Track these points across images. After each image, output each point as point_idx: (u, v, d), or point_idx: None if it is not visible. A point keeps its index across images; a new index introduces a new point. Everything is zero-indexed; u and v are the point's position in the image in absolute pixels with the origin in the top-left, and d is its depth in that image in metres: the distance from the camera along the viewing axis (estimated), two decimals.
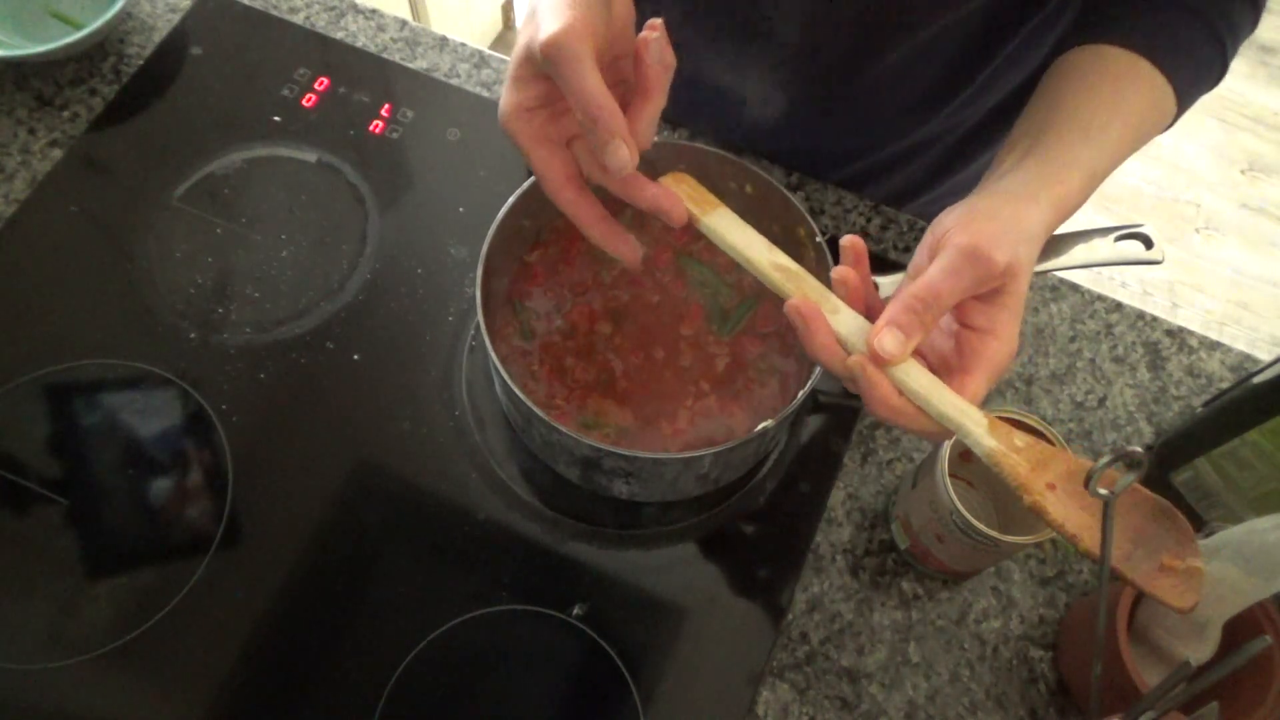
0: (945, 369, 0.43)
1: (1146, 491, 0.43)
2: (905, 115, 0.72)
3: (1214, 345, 0.70)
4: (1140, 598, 0.54)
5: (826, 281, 0.45)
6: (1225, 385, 0.68)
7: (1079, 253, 0.58)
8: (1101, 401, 0.67)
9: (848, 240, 0.44)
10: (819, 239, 0.57)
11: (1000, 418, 0.54)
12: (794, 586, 0.60)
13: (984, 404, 0.62)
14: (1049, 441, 0.54)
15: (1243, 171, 2.08)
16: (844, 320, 0.44)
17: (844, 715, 0.57)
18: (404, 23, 0.80)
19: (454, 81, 0.78)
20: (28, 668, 0.55)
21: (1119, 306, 0.71)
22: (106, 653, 0.56)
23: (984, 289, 0.42)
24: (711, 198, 0.48)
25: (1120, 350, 0.69)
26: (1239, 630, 0.51)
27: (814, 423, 0.65)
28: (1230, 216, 2.03)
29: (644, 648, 0.57)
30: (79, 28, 0.73)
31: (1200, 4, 0.53)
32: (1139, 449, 0.40)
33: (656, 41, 0.43)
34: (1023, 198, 0.45)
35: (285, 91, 0.76)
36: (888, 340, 0.41)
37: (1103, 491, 0.41)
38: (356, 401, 0.64)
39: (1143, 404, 0.67)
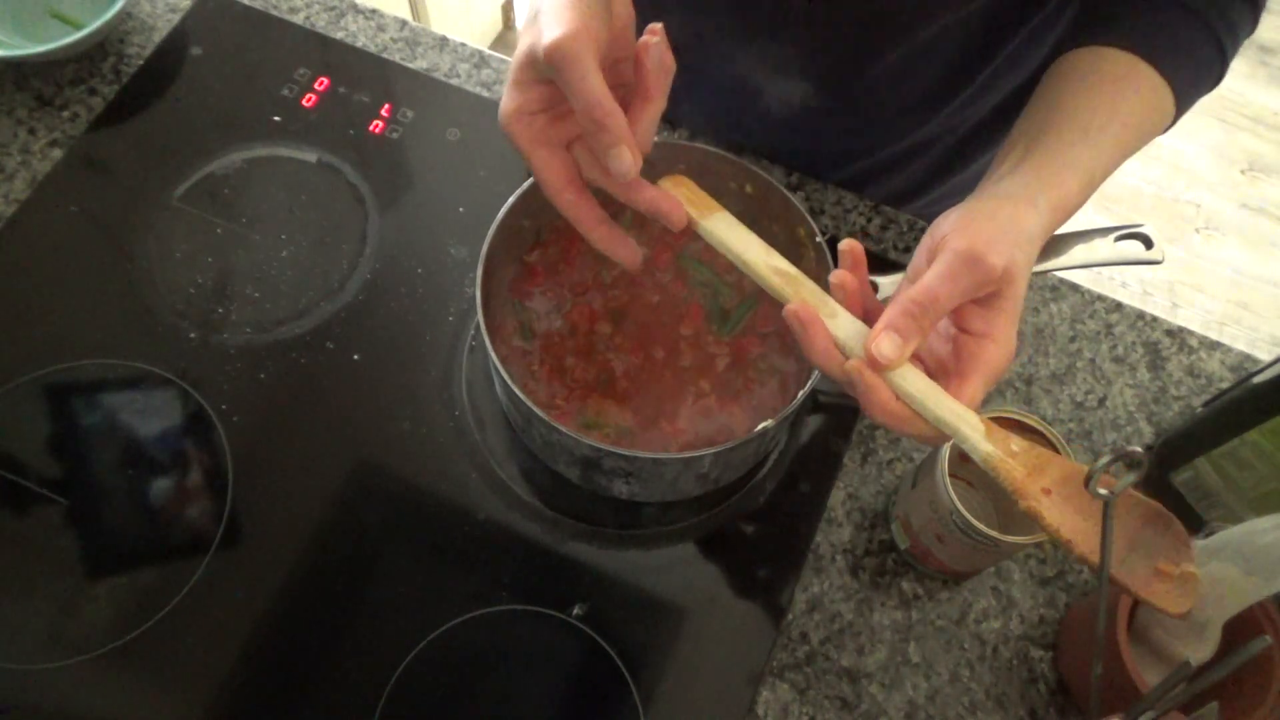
0: (942, 373, 0.43)
1: (1141, 496, 0.43)
2: (905, 116, 0.72)
3: (1214, 345, 0.70)
4: None
5: (826, 283, 0.45)
6: (1225, 385, 0.68)
7: (1079, 253, 0.58)
8: (1101, 401, 0.67)
9: (846, 245, 0.44)
10: (819, 239, 0.57)
11: (1000, 418, 0.54)
12: (794, 586, 0.60)
13: (984, 404, 0.62)
14: (1049, 441, 0.54)
15: (1243, 171, 2.08)
16: (842, 324, 0.44)
17: (844, 715, 0.57)
18: (404, 23, 0.80)
19: (454, 81, 0.78)
20: (28, 668, 0.55)
21: (1119, 306, 0.71)
22: (106, 653, 0.56)
23: (981, 293, 0.42)
24: (710, 200, 0.48)
25: (1120, 350, 0.69)
26: (1239, 630, 0.51)
27: (814, 423, 0.65)
28: (1230, 216, 2.03)
29: (644, 648, 0.57)
30: (79, 28, 0.73)
31: (1199, 5, 0.53)
32: (1139, 449, 0.40)
33: (656, 46, 0.43)
34: (1021, 200, 0.45)
35: (285, 91, 0.76)
36: (885, 345, 0.41)
37: (1103, 491, 0.41)
38: (356, 401, 0.64)
39: (1143, 404, 0.67)
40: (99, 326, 0.65)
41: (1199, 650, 0.51)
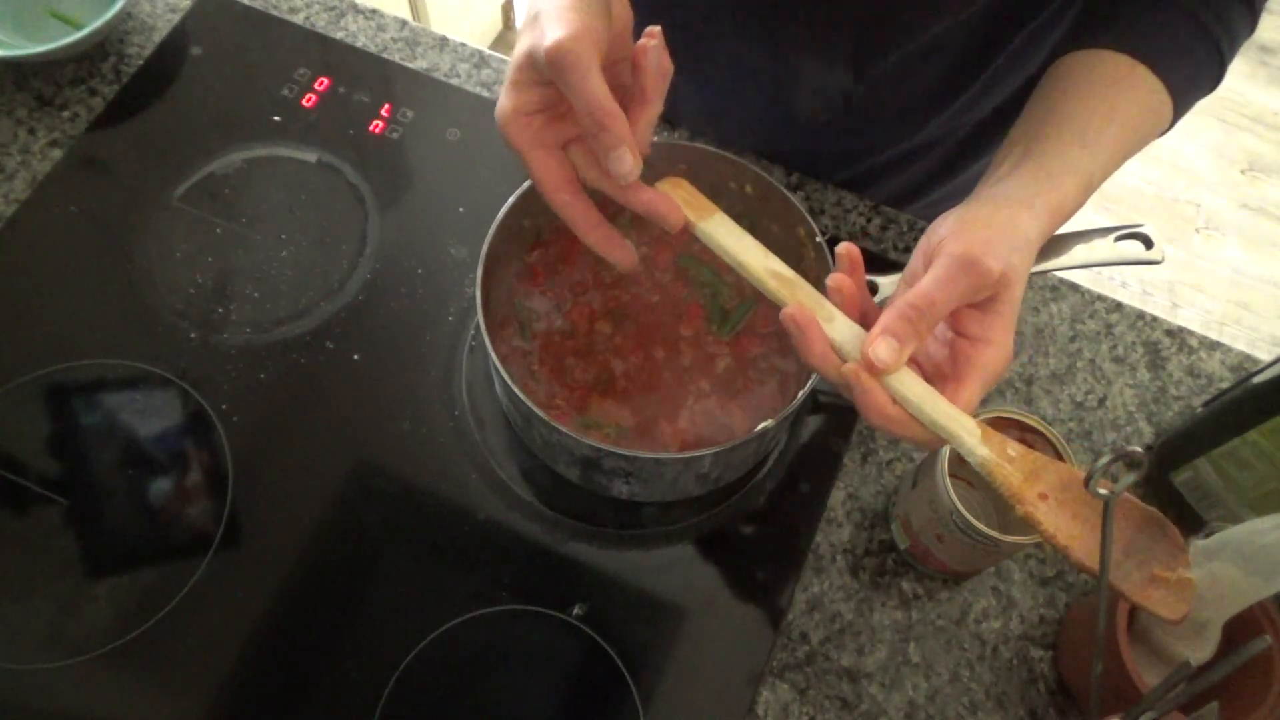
0: (939, 376, 0.43)
1: (1137, 502, 0.43)
2: (906, 117, 0.72)
3: (1214, 345, 0.70)
4: None
5: (825, 284, 0.45)
6: (1225, 385, 0.68)
7: (1079, 253, 0.58)
8: (1101, 401, 0.67)
9: (843, 248, 0.44)
10: (819, 239, 0.57)
11: (1000, 418, 0.54)
12: (794, 586, 0.60)
13: (983, 405, 0.62)
14: (1049, 441, 0.54)
15: (1243, 171, 2.08)
16: (839, 328, 0.44)
17: (844, 715, 0.57)
18: (404, 23, 0.81)
19: (454, 81, 0.78)
20: (28, 668, 0.55)
21: (1119, 306, 0.71)
22: (106, 653, 0.56)
23: (979, 297, 0.42)
24: (708, 203, 0.47)
25: (1120, 350, 0.69)
26: (1239, 630, 0.51)
27: (814, 423, 0.65)
28: (1230, 216, 2.03)
29: (644, 648, 0.57)
30: (79, 28, 0.73)
31: (1197, 8, 0.53)
32: (1139, 449, 0.40)
33: (655, 48, 0.43)
34: (1018, 204, 0.45)
35: (285, 91, 0.76)
36: (882, 348, 0.41)
37: (1103, 492, 0.41)
38: (356, 401, 0.64)
39: (1143, 404, 0.67)
40: (99, 326, 0.65)
41: (1199, 650, 0.51)
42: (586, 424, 0.59)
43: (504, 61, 0.79)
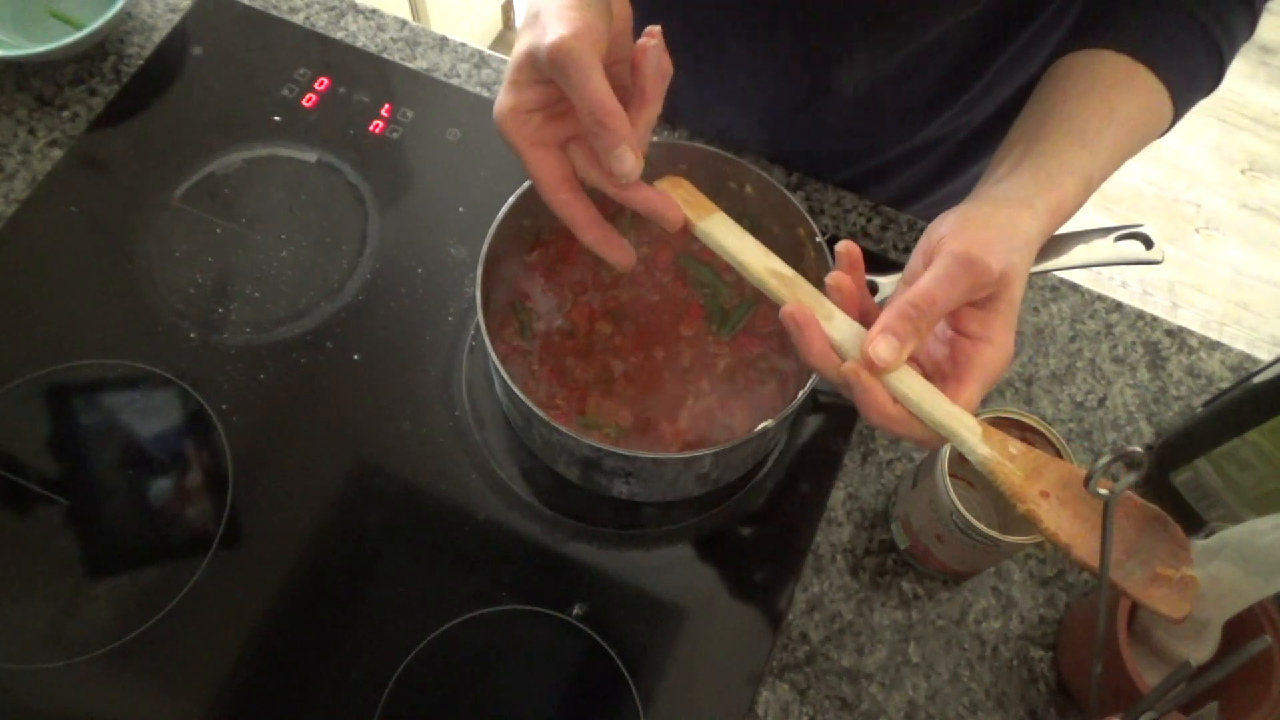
0: (939, 375, 0.43)
1: (1140, 500, 0.43)
2: (907, 118, 0.72)
3: (1214, 345, 0.70)
4: None
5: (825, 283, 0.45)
6: (1225, 385, 0.68)
7: (1079, 253, 0.58)
8: (1101, 401, 0.67)
9: (842, 246, 0.44)
10: (819, 239, 0.57)
11: (1000, 418, 0.54)
12: (794, 586, 0.60)
13: (984, 404, 0.62)
14: (1049, 441, 0.54)
15: (1243, 171, 2.08)
16: (838, 326, 0.43)
17: (844, 715, 0.57)
18: (404, 23, 0.81)
19: (454, 81, 0.78)
20: (28, 668, 0.55)
21: (1119, 306, 0.71)
22: (106, 653, 0.56)
23: (978, 296, 0.42)
24: (707, 202, 0.47)
25: (1120, 350, 0.69)
26: (1239, 630, 0.51)
27: (814, 423, 0.65)
28: (1230, 216, 2.03)
29: (644, 648, 0.57)
30: (79, 28, 0.73)
31: (1196, 9, 0.53)
32: (1139, 449, 0.40)
33: (655, 49, 0.43)
34: (1018, 204, 0.45)
35: (285, 91, 0.76)
36: (882, 347, 0.41)
37: (1103, 491, 0.41)
38: (356, 401, 0.64)
39: (1143, 404, 0.67)
40: (99, 326, 0.65)
41: (1199, 650, 0.51)
42: (586, 424, 0.59)
43: (504, 61, 0.79)
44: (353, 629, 0.57)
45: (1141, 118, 0.51)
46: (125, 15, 0.78)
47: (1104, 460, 0.40)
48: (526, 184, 0.57)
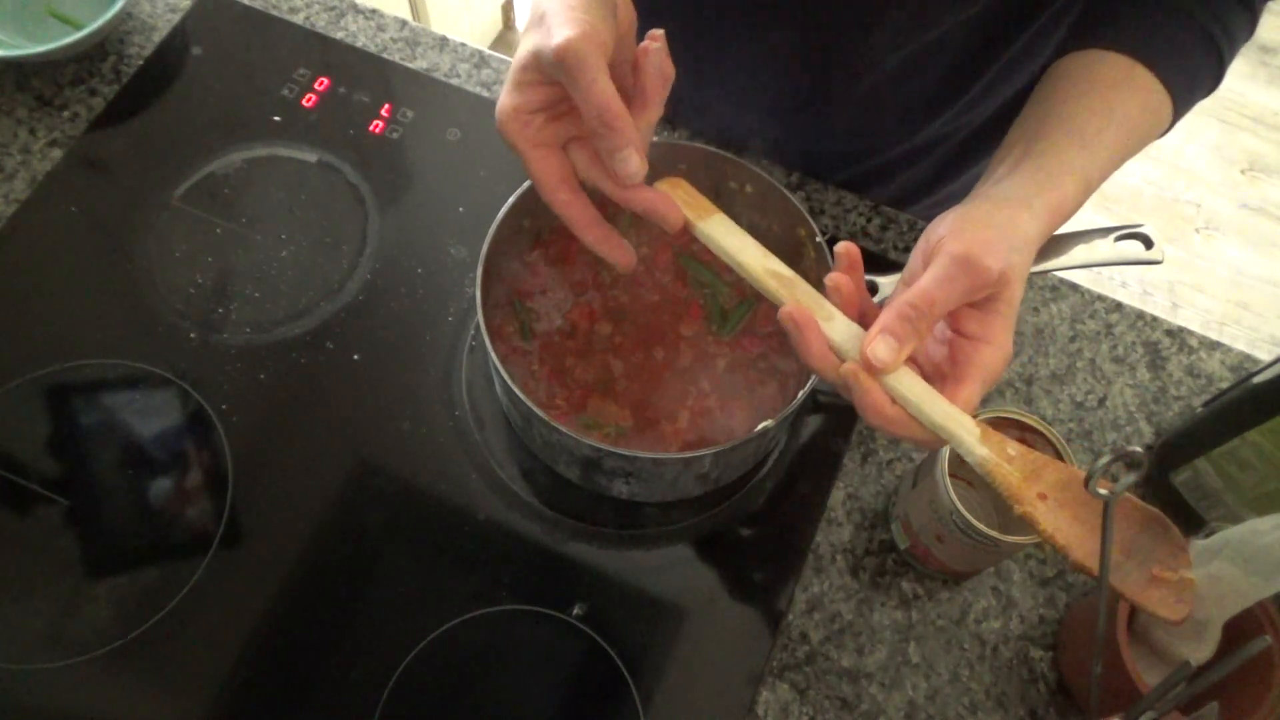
0: (938, 376, 0.43)
1: (1138, 501, 0.43)
2: (907, 118, 0.72)
3: (1214, 345, 0.70)
4: None
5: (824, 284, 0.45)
6: (1225, 385, 0.68)
7: (1079, 253, 0.58)
8: (1101, 401, 0.67)
9: (842, 247, 0.44)
10: (819, 239, 0.57)
11: (1000, 418, 0.54)
12: (794, 586, 0.60)
13: (984, 404, 0.62)
14: (1049, 441, 0.54)
15: (1243, 171, 2.08)
16: (838, 327, 0.43)
17: (844, 715, 0.57)
18: (404, 23, 0.81)
19: (454, 81, 0.78)
20: (28, 668, 0.55)
21: (1119, 306, 0.71)
22: (106, 653, 0.56)
23: (977, 296, 0.42)
24: (707, 203, 0.47)
25: (1120, 350, 0.69)
26: (1239, 630, 0.51)
27: (814, 423, 0.65)
28: (1230, 216, 2.03)
29: (644, 648, 0.57)
30: (79, 28, 0.73)
31: (1196, 9, 0.53)
32: (1139, 449, 0.40)
33: (656, 52, 0.43)
34: (1017, 204, 0.45)
35: (285, 91, 0.76)
36: (880, 348, 0.41)
37: (1103, 491, 0.41)
38: (356, 401, 0.64)
39: (1143, 404, 0.67)
40: (99, 326, 0.65)
41: (1199, 650, 0.51)
42: (586, 424, 0.59)
43: (504, 61, 0.79)
44: (353, 629, 0.57)
45: (1141, 118, 0.51)
46: (125, 15, 0.78)
47: (1104, 460, 0.40)
48: (526, 184, 0.57)
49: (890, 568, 0.61)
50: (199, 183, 0.71)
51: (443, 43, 0.80)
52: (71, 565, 0.58)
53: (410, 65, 0.78)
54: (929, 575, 0.61)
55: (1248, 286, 1.95)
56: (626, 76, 0.45)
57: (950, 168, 0.80)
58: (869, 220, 0.73)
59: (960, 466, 0.59)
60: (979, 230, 0.43)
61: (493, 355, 0.52)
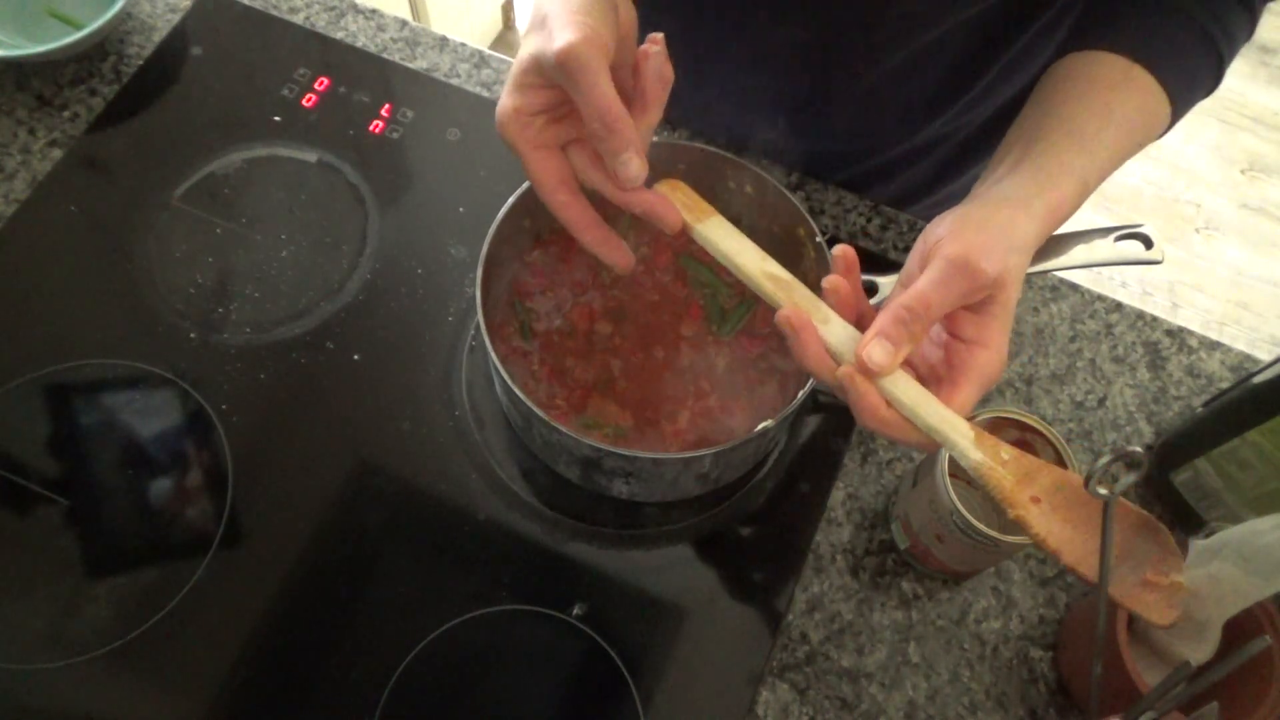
0: (934, 379, 0.43)
1: (1132, 505, 0.43)
2: (907, 118, 0.72)
3: (1214, 345, 0.70)
4: None
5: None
6: (1225, 385, 0.68)
7: (1079, 253, 0.58)
8: (1101, 401, 0.67)
9: (839, 250, 0.44)
10: (819, 239, 0.57)
11: (1000, 418, 0.54)
12: (794, 586, 0.60)
13: (983, 404, 0.62)
14: (1049, 441, 0.54)
15: (1243, 171, 2.08)
16: (834, 330, 0.43)
17: (844, 715, 0.57)
18: (404, 23, 0.81)
19: (454, 81, 0.78)
20: (28, 668, 0.55)
21: (1119, 306, 0.71)
22: (106, 653, 0.56)
23: (974, 299, 0.42)
24: (706, 205, 0.47)
25: (1120, 350, 0.69)
26: (1239, 630, 0.51)
27: (814, 423, 0.65)
28: (1230, 216, 2.03)
29: (644, 648, 0.57)
30: (79, 28, 0.73)
31: (1196, 10, 0.52)
32: (1138, 449, 0.40)
33: (656, 55, 0.43)
34: (1015, 205, 0.45)
35: (285, 91, 0.76)
36: (876, 351, 0.41)
37: (1103, 492, 0.41)
38: (356, 401, 0.64)
39: (1143, 404, 0.67)
40: (99, 326, 0.65)
41: (1199, 650, 0.51)
42: (586, 424, 0.59)
43: (504, 61, 0.79)
44: (353, 629, 0.57)
45: (1140, 119, 0.51)
46: (125, 15, 0.78)
47: (1104, 460, 0.40)
48: (526, 184, 0.57)
49: (890, 568, 0.61)
50: (199, 183, 0.71)
51: (443, 43, 0.80)
52: (71, 565, 0.58)
53: (410, 65, 0.78)
54: (929, 575, 0.61)
55: (1248, 286, 1.95)
56: (627, 79, 0.45)
57: (950, 168, 0.80)
58: (869, 220, 0.73)
59: (960, 466, 0.59)
60: (976, 233, 0.43)
61: (493, 355, 0.52)
